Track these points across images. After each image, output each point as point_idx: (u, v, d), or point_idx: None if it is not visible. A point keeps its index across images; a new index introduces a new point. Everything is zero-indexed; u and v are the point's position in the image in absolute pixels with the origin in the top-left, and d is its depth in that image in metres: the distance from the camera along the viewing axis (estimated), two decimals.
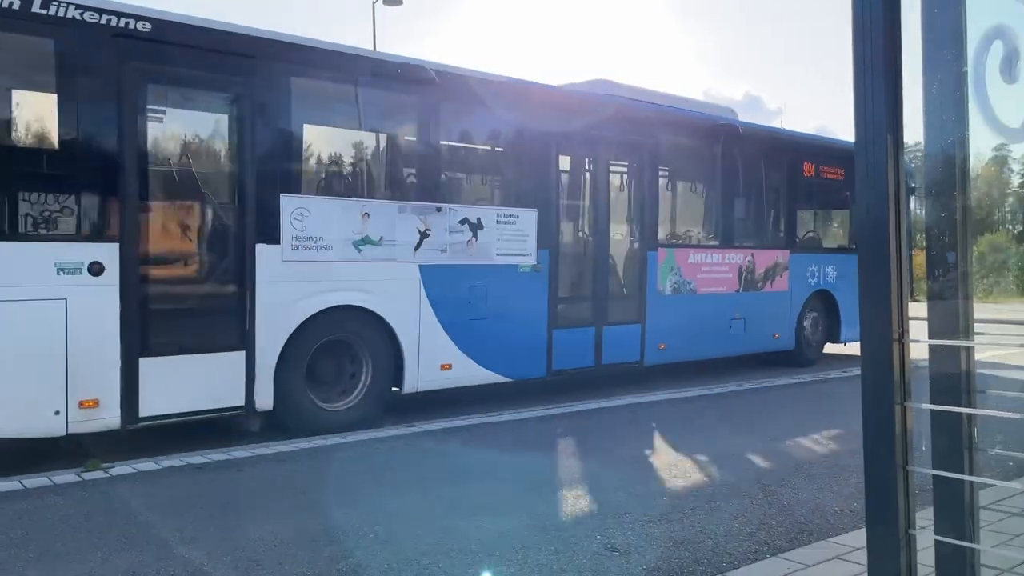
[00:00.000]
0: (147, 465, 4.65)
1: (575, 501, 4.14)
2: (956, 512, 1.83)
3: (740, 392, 7.95)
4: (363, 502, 4.01)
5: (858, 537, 3.30)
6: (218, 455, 4.90)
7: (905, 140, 1.83)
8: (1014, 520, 3.26)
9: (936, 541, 1.84)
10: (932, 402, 1.82)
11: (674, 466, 4.88)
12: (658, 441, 5.69)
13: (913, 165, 7.02)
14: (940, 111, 1.67)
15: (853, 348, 10.24)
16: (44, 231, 4.83)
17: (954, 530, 1.83)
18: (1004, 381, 2.11)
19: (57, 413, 4.80)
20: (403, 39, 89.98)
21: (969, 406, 1.77)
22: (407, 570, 3.14)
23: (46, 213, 4.86)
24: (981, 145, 1.73)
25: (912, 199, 7.62)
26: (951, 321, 1.80)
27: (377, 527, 3.59)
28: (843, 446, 5.37)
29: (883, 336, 1.71)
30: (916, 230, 3.68)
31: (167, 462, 4.71)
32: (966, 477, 1.80)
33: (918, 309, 1.84)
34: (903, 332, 1.69)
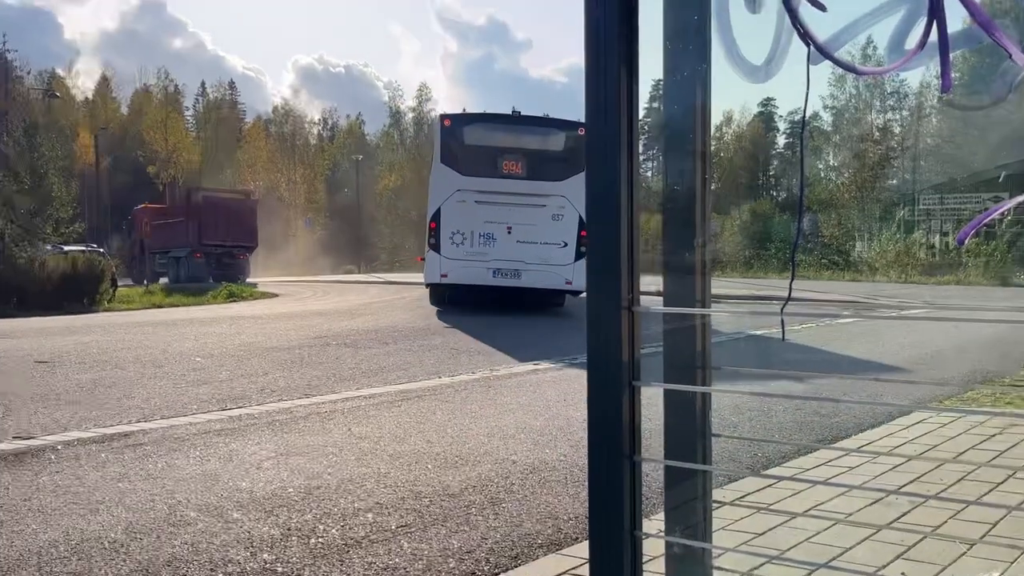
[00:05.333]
0: None
1: (271, 517, 4.06)
2: (688, 508, 2.02)
3: (477, 380, 8.28)
4: None
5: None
6: None
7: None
8: (756, 518, 3.70)
9: (666, 542, 2.03)
10: (666, 381, 1.99)
11: (385, 475, 4.95)
12: (370, 443, 5.75)
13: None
14: (679, 38, 1.80)
15: None
16: None
17: (686, 529, 2.03)
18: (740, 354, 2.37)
19: None
20: None
21: (704, 384, 1.96)
22: None
23: None
24: (723, 82, 1.89)
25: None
26: (688, 290, 1.97)
27: None
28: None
29: (611, 305, 1.82)
30: None
31: None
32: (699, 467, 1.99)
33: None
34: (633, 300, 1.82)
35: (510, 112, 17.15)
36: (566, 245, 16.39)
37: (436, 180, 16.88)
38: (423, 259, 17.29)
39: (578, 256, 16.07)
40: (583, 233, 14.87)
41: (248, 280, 36.26)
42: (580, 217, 15.89)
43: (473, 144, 16.86)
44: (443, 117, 17.55)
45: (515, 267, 16.37)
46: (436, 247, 16.56)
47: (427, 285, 18.10)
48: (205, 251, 37.48)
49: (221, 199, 42.65)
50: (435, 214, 16.62)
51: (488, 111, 18.12)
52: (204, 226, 37.43)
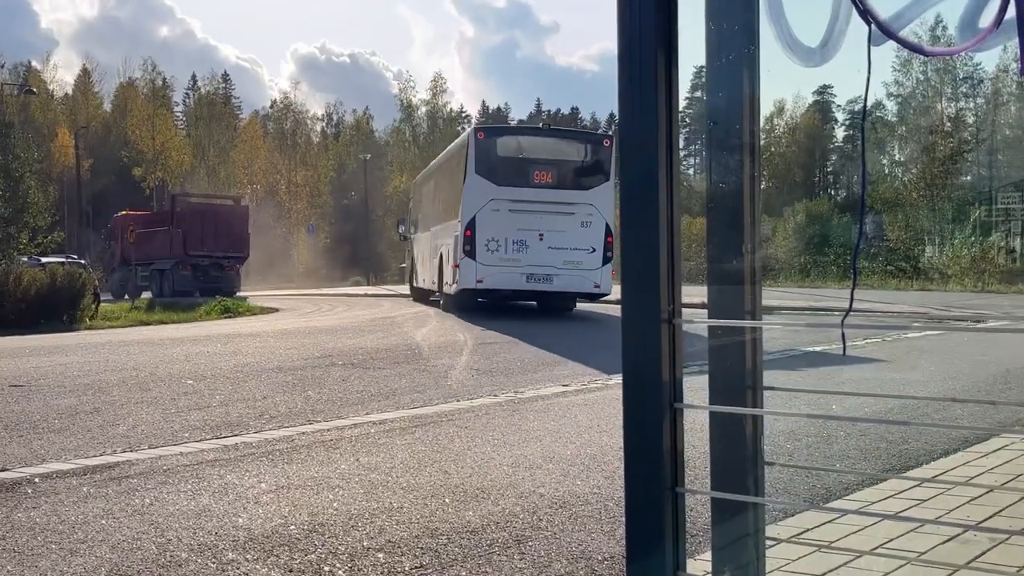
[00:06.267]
0: None
1: (271, 557, 4.07)
2: (738, 546, 2.01)
3: (500, 403, 8.27)
4: None
5: None
6: None
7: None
8: (815, 557, 3.66)
9: None
10: (712, 403, 1.98)
11: (398, 510, 4.95)
12: (381, 474, 5.76)
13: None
14: (724, 17, 1.80)
15: None
16: None
17: (736, 569, 2.01)
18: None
19: None
20: None
21: (754, 406, 1.94)
22: None
23: None
24: (774, 67, 1.89)
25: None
26: (736, 301, 1.96)
27: None
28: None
29: (649, 318, 1.81)
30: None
31: None
32: (750, 499, 1.98)
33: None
34: (673, 312, 1.81)
35: (534, 104, 21.05)
36: (594, 251, 19.76)
37: (470, 190, 19.83)
38: (458, 265, 19.97)
39: (604, 261, 19.77)
40: (609, 239, 19.76)
41: (239, 294, 36.52)
42: (607, 224, 19.72)
43: (506, 156, 20.21)
44: (476, 130, 21.41)
45: (547, 272, 19.58)
46: (471, 254, 19.58)
47: (453, 293, 20.71)
48: (192, 262, 37.77)
49: (208, 205, 42.97)
50: (470, 222, 19.63)
51: (509, 103, 22.94)
52: (190, 235, 37.74)
